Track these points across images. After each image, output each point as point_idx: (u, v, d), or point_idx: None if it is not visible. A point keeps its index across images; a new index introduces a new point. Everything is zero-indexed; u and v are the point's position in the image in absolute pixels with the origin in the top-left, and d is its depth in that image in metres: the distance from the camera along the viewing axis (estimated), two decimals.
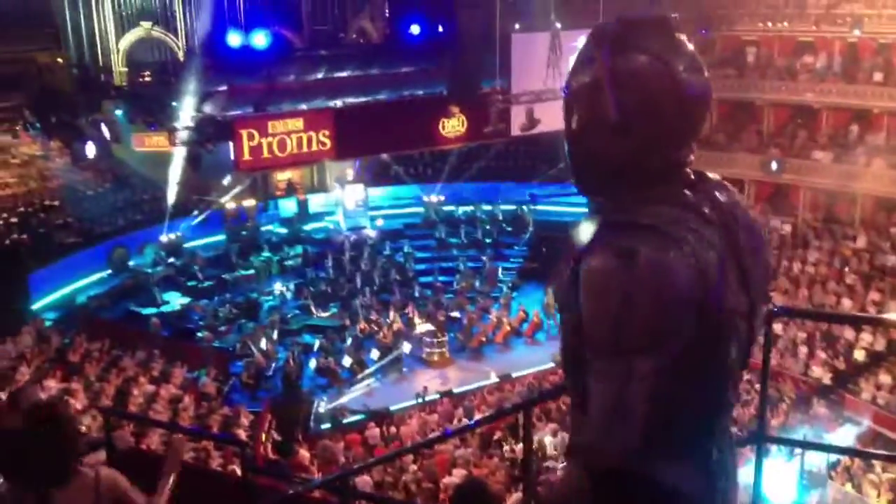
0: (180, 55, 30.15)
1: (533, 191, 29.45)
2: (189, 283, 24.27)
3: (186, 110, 23.52)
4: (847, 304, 22.34)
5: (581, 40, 1.86)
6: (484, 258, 26.87)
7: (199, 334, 21.88)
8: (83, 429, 10.68)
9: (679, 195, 1.72)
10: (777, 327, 19.87)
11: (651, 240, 1.62)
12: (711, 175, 1.84)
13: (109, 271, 24.50)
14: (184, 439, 3.92)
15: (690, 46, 1.76)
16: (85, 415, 14.76)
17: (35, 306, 22.21)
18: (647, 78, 1.70)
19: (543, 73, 25.40)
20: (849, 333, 21.12)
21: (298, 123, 24.52)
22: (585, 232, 1.79)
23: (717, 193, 1.78)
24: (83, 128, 26.61)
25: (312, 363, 21.17)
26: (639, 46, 1.71)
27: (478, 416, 16.34)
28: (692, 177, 1.79)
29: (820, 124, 27.28)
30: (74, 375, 17.51)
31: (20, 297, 22.15)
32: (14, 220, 24.20)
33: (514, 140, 27.89)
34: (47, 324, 21.35)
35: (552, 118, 26.47)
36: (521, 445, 14.28)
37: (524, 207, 28.96)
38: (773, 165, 26.82)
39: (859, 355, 20.59)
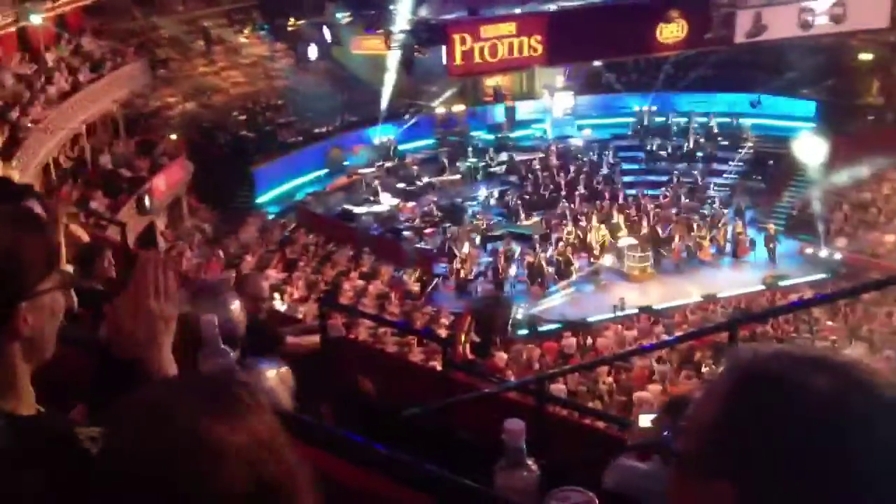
0: None
1: (754, 101, 27.56)
2: (398, 185, 25.08)
3: (402, 14, 23.88)
4: None
5: None
6: (695, 172, 25.77)
7: (406, 234, 22.69)
8: (300, 316, 11.48)
9: None
10: None
11: None
12: None
13: (326, 170, 25.77)
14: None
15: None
16: (303, 303, 15.85)
17: (259, 200, 23.85)
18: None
19: None
20: None
21: (511, 28, 24.27)
22: None
23: None
24: (306, 30, 27.70)
25: (513, 269, 21.46)
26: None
27: (678, 334, 16.00)
28: None
29: None
30: (293, 266, 18.78)
31: (246, 191, 23.89)
32: (242, 117, 25.91)
33: (736, 48, 26.19)
34: (270, 217, 22.92)
35: (782, 24, 24.60)
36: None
37: (743, 120, 27.27)
38: None
39: None
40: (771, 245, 22.21)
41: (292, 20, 27.46)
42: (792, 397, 0.97)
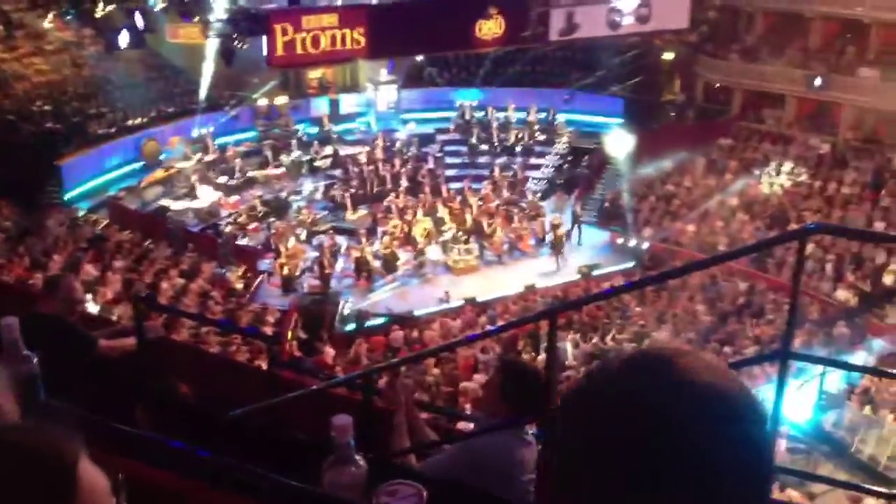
0: None
1: (568, 97, 28.86)
2: (219, 179, 24.35)
3: (220, 2, 23.13)
4: (880, 227, 22.02)
5: None
6: (515, 165, 26.63)
7: (228, 230, 22.08)
8: (115, 317, 10.92)
9: None
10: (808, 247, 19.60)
11: None
12: None
13: (141, 163, 24.62)
14: None
15: None
16: (117, 304, 15.07)
17: (68, 195, 22.47)
18: None
19: None
20: (879, 257, 20.89)
21: (333, 19, 24.06)
22: None
23: None
24: (117, 16, 26.28)
25: (340, 263, 21.35)
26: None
27: (501, 324, 16.48)
28: None
29: (869, 40, 26.32)
30: (106, 265, 17.81)
31: (52, 186, 22.41)
32: (48, 107, 24.26)
33: (551, 45, 27.26)
34: (80, 213, 21.63)
35: (593, 23, 25.80)
36: (541, 355, 14.45)
37: (558, 115, 28.47)
38: (817, 81, 26.08)
39: (888, 279, 20.40)
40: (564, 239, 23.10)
41: (101, 5, 25.98)
42: (612, 407, 0.96)
